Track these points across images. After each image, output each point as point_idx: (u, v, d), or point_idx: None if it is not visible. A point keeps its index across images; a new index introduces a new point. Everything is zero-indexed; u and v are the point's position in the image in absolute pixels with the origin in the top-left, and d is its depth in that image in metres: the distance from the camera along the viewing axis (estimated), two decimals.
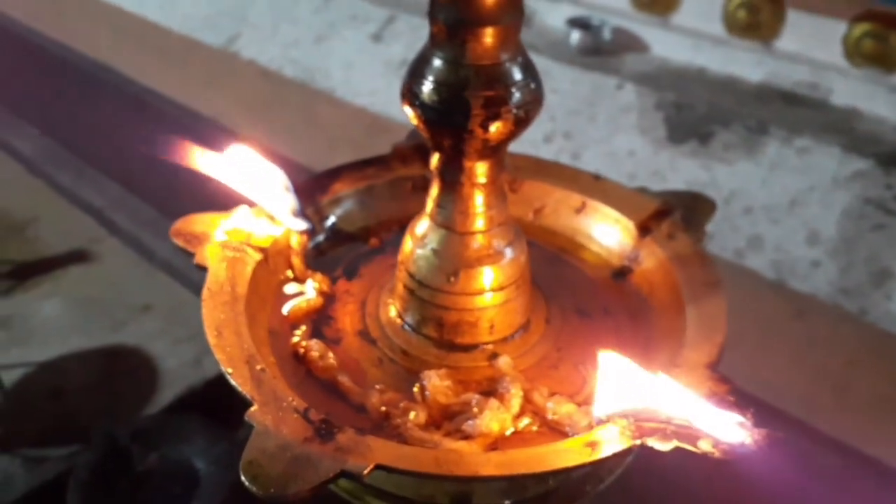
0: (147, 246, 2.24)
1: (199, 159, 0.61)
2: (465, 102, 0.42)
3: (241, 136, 1.76)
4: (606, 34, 1.32)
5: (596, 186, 0.62)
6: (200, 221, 0.56)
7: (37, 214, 2.51)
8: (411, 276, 0.49)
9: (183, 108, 1.92)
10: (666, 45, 1.31)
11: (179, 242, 0.54)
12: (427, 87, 0.43)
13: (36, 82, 2.57)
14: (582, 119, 1.24)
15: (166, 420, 1.51)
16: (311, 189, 0.61)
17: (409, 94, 0.44)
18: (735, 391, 0.42)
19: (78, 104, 2.40)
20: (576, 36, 1.31)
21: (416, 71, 0.44)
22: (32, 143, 2.73)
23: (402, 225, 0.64)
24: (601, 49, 1.31)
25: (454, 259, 0.47)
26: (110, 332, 2.02)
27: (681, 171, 1.15)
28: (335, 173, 0.63)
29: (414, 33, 1.42)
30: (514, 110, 0.42)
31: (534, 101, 0.44)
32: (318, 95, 1.50)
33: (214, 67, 1.73)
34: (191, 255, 0.53)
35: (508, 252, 0.48)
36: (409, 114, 0.45)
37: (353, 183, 0.63)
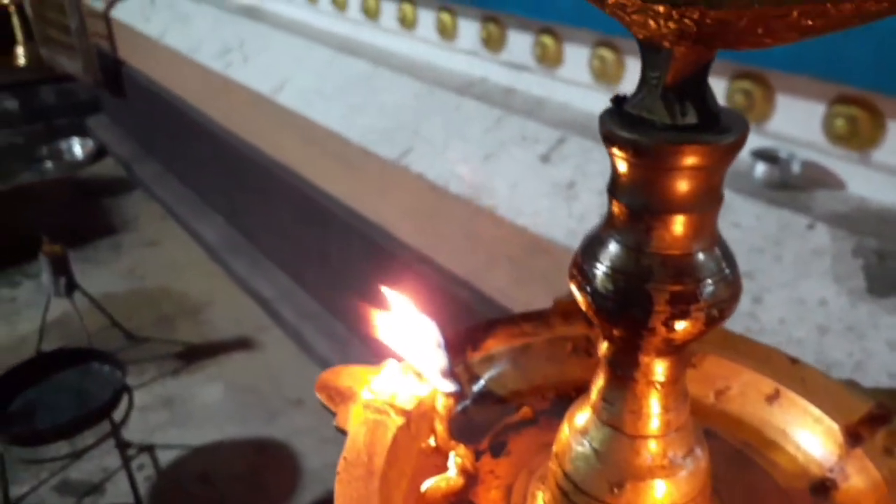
0: (307, 340, 2.31)
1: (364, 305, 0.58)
2: (647, 296, 0.36)
3: (403, 246, 1.79)
4: (796, 167, 1.21)
5: (793, 372, 0.53)
6: (348, 375, 0.53)
7: (212, 299, 2.69)
8: (567, 475, 0.42)
9: (354, 213, 2.00)
10: (866, 183, 1.18)
11: (323, 398, 0.51)
12: (601, 271, 0.37)
13: (225, 175, 2.81)
14: (766, 259, 1.13)
15: None
16: (462, 343, 0.57)
17: (580, 275, 0.39)
18: None
19: (259, 198, 2.59)
20: (761, 168, 1.22)
21: (589, 251, 0.39)
22: (216, 231, 2.96)
23: (558, 392, 0.58)
24: (789, 183, 1.21)
25: (620, 466, 0.40)
26: (263, 424, 2.08)
27: (882, 329, 1.00)
28: (489, 327, 0.59)
29: (584, 155, 1.39)
30: (706, 308, 0.36)
31: (730, 298, 0.37)
32: (482, 212, 1.49)
33: (386, 178, 1.79)
34: (332, 414, 0.50)
35: (688, 463, 0.41)
36: (578, 297, 0.39)
37: (508, 339, 0.58)
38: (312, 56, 2.23)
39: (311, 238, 2.29)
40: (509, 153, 1.52)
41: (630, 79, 1.46)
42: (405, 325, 0.55)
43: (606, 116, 0.35)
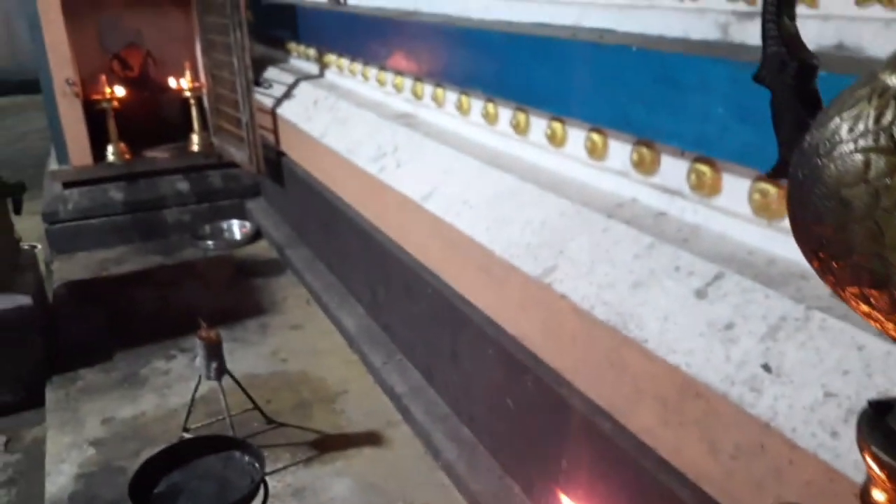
0: (435, 443, 2.31)
1: None
2: None
3: (540, 363, 1.77)
4: None
5: None
6: None
7: (347, 388, 2.76)
8: None
9: (491, 322, 2.00)
10: None
11: None
12: None
13: (370, 268, 2.92)
14: None
15: None
16: None
17: None
18: None
19: (400, 294, 2.66)
20: None
21: None
22: (356, 321, 3.06)
23: None
24: None
25: None
26: None
27: None
28: None
29: (743, 296, 1.33)
30: None
31: None
32: (629, 343, 1.45)
33: (527, 294, 1.78)
34: None
35: None
36: None
37: None
38: (461, 166, 2.30)
39: (444, 339, 2.32)
40: (661, 284, 1.48)
41: None
42: None
43: (866, 427, 0.33)
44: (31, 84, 5.06)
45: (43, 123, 4.81)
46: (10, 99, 9.48)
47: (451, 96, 2.61)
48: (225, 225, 4.40)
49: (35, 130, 7.59)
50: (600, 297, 1.57)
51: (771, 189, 1.42)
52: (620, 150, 1.83)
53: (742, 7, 1.46)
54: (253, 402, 2.49)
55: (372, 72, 3.24)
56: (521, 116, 2.20)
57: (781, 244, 1.42)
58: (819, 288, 1.27)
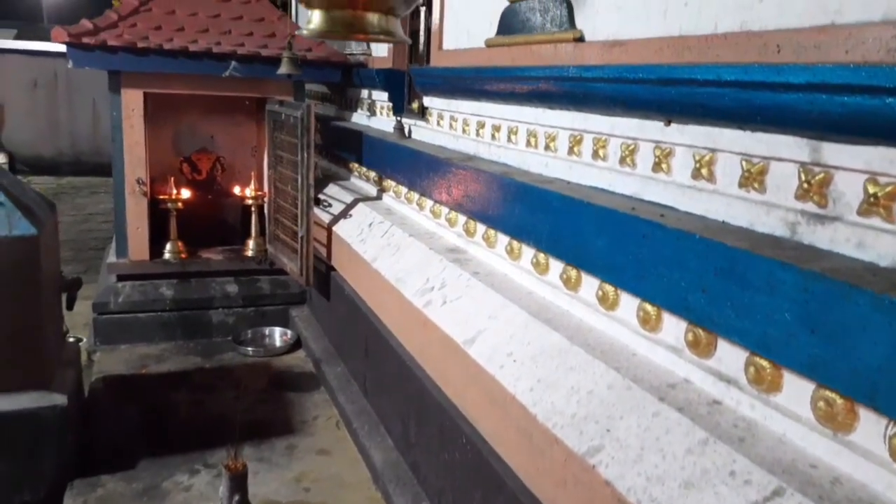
0: None
1: None
2: None
3: None
4: None
5: None
6: None
7: None
8: None
9: (527, 492, 1.89)
10: None
11: None
12: None
13: (405, 402, 2.84)
14: None
15: None
16: None
17: None
18: None
19: (432, 435, 2.56)
20: None
21: None
22: (385, 455, 2.95)
23: None
24: None
25: None
26: None
27: None
28: None
29: None
30: None
31: None
32: None
33: (569, 472, 1.68)
34: None
35: None
36: None
37: None
38: (507, 315, 2.25)
39: (475, 496, 2.20)
40: (714, 488, 1.37)
41: (864, 430, 1.29)
42: None
43: None
44: (105, 166, 5.30)
45: (109, 205, 4.98)
46: (84, 179, 9.97)
47: (503, 238, 2.60)
48: (267, 331, 4.41)
49: (101, 213, 7.91)
50: (648, 492, 1.46)
51: (838, 399, 1.33)
52: (674, 326, 1.76)
53: (812, 208, 1.42)
54: None
55: (427, 202, 3.28)
56: (572, 272, 2.16)
57: (848, 461, 1.31)
58: None
